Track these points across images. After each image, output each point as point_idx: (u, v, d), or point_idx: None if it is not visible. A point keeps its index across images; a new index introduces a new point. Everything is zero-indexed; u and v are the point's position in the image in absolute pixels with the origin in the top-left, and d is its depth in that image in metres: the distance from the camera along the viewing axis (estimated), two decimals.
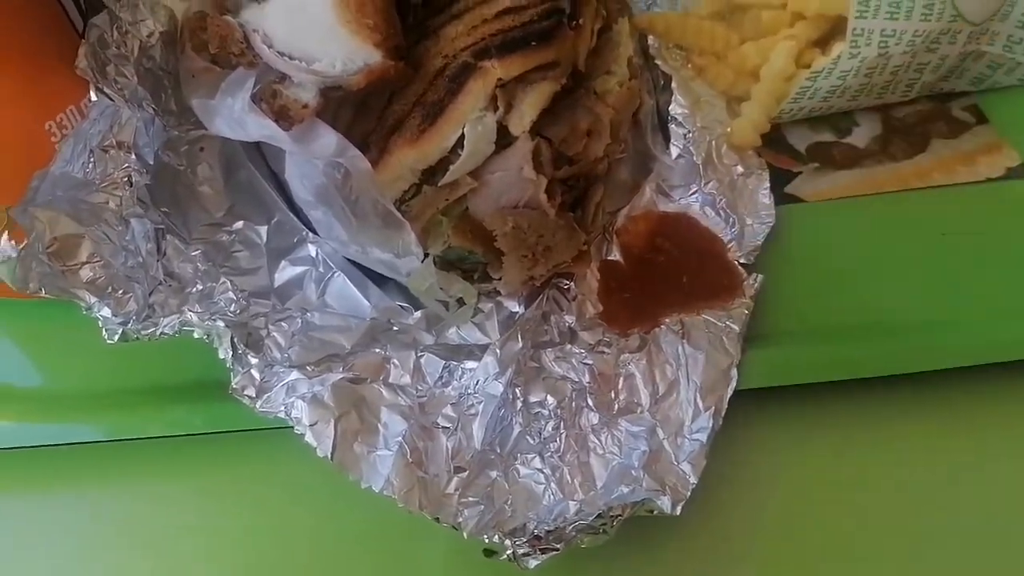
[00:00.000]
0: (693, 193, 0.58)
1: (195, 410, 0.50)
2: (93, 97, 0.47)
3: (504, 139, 0.49)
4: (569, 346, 0.52)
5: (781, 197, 0.59)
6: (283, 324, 0.50)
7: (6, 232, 0.43)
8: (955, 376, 0.51)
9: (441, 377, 0.49)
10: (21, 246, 0.43)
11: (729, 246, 0.56)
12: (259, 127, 0.45)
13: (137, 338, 0.46)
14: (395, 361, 0.49)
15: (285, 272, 0.54)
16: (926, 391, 0.51)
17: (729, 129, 0.61)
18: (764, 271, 0.53)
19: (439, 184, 0.49)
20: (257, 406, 0.45)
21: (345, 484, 0.43)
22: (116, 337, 0.46)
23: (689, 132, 0.60)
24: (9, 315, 0.56)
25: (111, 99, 0.48)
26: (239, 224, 0.56)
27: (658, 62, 0.63)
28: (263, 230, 0.56)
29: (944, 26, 0.57)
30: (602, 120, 0.52)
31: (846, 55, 0.58)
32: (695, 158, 0.58)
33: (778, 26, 0.62)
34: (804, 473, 0.49)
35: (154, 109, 0.53)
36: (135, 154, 0.49)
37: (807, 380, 0.51)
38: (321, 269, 0.54)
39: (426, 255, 0.50)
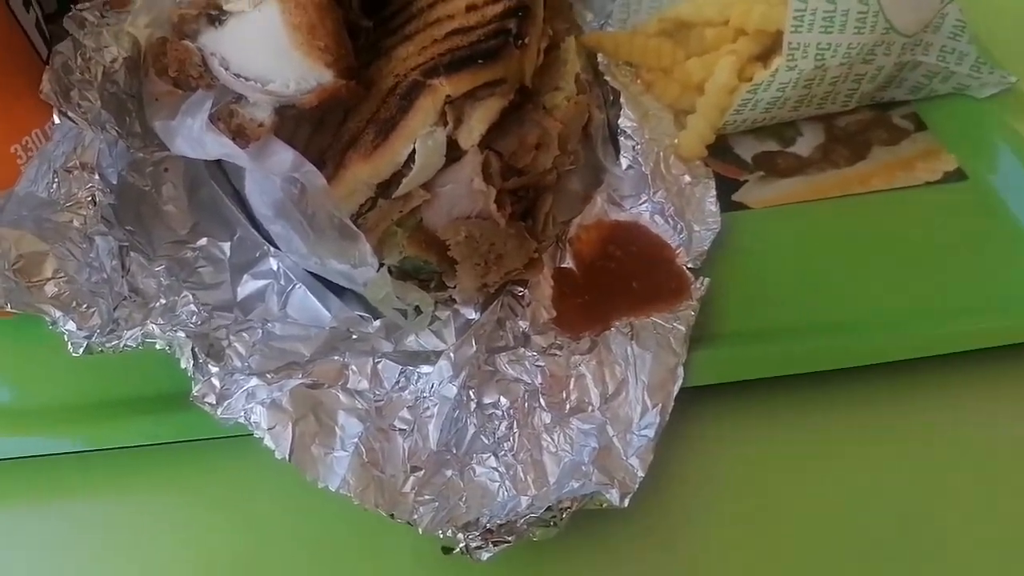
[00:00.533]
0: (643, 202, 0.61)
1: (163, 420, 0.52)
2: (56, 120, 0.49)
3: (454, 153, 0.52)
4: (522, 349, 0.54)
5: (728, 205, 0.62)
6: (244, 334, 0.51)
7: None
8: (890, 370, 0.53)
9: (398, 382, 0.51)
10: None
11: (677, 252, 0.58)
12: (217, 145, 0.47)
13: (101, 351, 0.48)
14: (353, 367, 0.51)
15: (248, 286, 0.56)
16: (862, 385, 0.54)
17: (676, 141, 0.64)
18: (711, 274, 0.56)
19: (393, 197, 0.52)
20: (218, 413, 0.47)
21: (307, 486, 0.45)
22: (81, 350, 0.47)
23: (638, 144, 0.62)
24: None
25: (74, 122, 0.50)
26: (203, 241, 0.58)
27: (607, 78, 0.66)
28: (226, 246, 0.58)
29: (878, 38, 0.60)
30: (550, 133, 0.54)
31: (784, 68, 0.61)
32: (644, 168, 0.61)
33: (721, 42, 0.65)
34: (748, 465, 0.52)
35: (117, 131, 0.55)
36: (98, 174, 0.51)
37: (751, 376, 0.53)
38: (283, 282, 0.56)
39: (381, 265, 0.52)
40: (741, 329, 0.55)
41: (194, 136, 0.49)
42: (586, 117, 0.60)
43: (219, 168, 0.60)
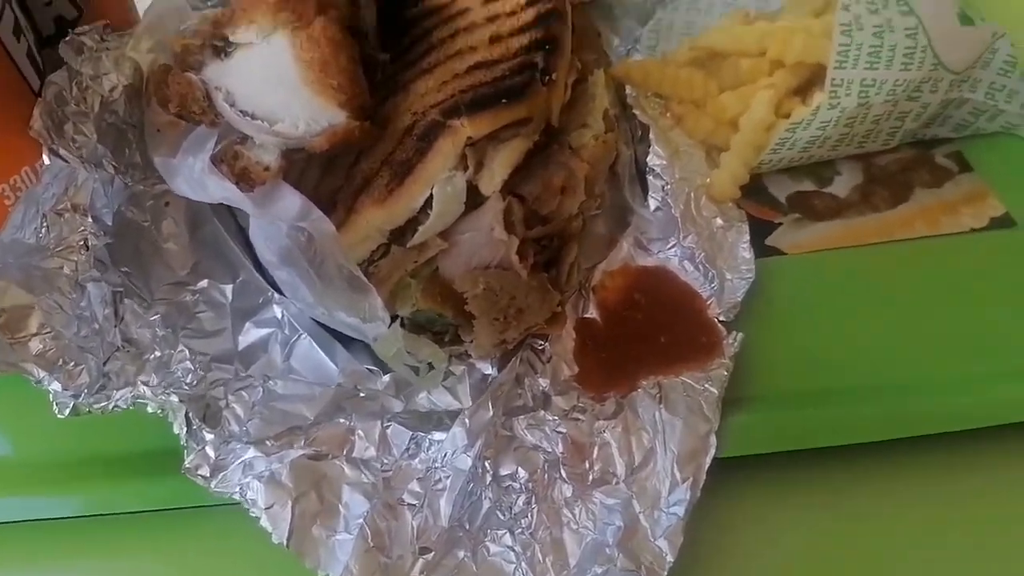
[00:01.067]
0: (672, 247, 0.58)
1: (157, 482, 0.48)
2: (47, 160, 0.45)
3: (475, 198, 0.48)
4: (542, 412, 0.50)
5: (761, 249, 0.58)
6: (243, 393, 0.48)
7: None
8: (945, 440, 0.49)
9: (408, 449, 0.48)
10: None
11: (708, 302, 0.55)
12: (220, 189, 0.44)
13: (89, 411, 0.45)
14: (360, 432, 0.48)
15: (250, 334, 0.53)
16: (913, 456, 0.50)
17: (708, 180, 0.60)
18: (744, 328, 0.52)
19: (408, 245, 0.49)
20: (212, 486, 0.43)
21: None
22: (67, 411, 0.44)
23: (668, 184, 0.59)
24: None
25: (66, 160, 0.47)
26: (203, 283, 0.54)
27: (636, 112, 0.63)
28: (228, 289, 0.55)
29: (925, 75, 0.57)
30: (576, 176, 0.51)
31: (825, 106, 0.57)
32: (673, 211, 0.58)
33: (757, 75, 0.62)
34: (787, 547, 0.48)
35: (115, 167, 0.52)
36: (91, 216, 0.48)
37: (789, 448, 0.49)
38: (287, 331, 0.53)
39: (394, 319, 0.49)
40: (777, 392, 0.51)
41: (195, 177, 0.46)
42: (614, 156, 0.56)
43: (223, 205, 0.57)
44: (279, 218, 0.46)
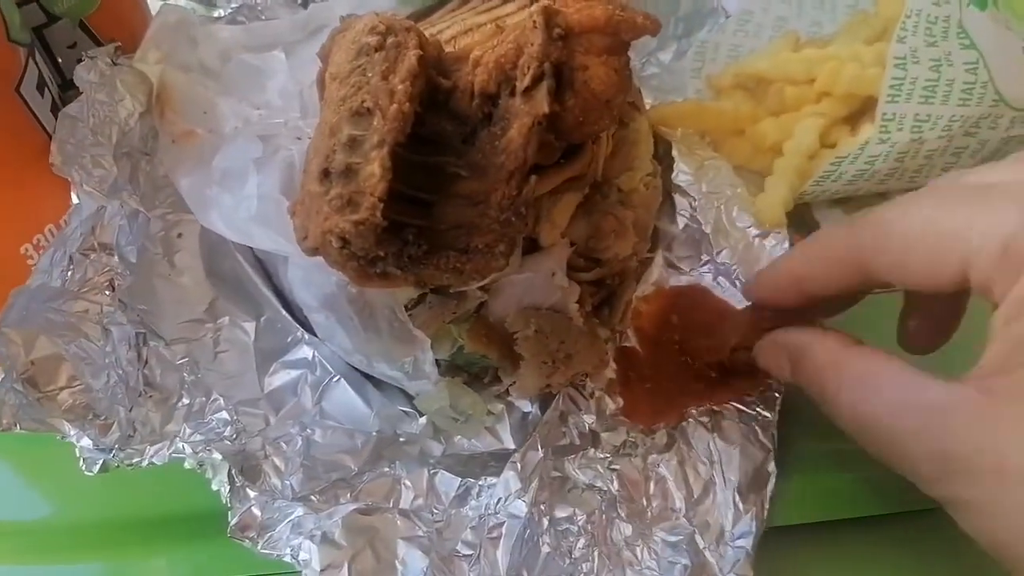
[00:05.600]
0: (705, 264, 0.59)
1: (199, 550, 0.48)
2: (75, 200, 0.46)
3: (531, 247, 0.49)
4: (592, 450, 0.52)
5: None
6: (282, 444, 0.49)
7: None
8: None
9: (458, 496, 0.49)
10: None
11: None
12: (268, 240, 0.45)
13: (119, 467, 0.45)
14: (407, 482, 0.48)
15: (277, 376, 0.53)
16: None
17: (739, 191, 0.61)
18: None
19: (449, 293, 0.49)
20: (259, 547, 0.44)
21: None
22: (96, 468, 0.44)
23: (695, 200, 0.60)
24: None
25: (91, 196, 0.47)
26: (224, 320, 0.55)
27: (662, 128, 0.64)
28: (250, 327, 0.55)
29: (984, 111, 0.58)
30: (624, 223, 0.52)
31: (875, 139, 0.59)
32: (704, 227, 0.59)
33: (802, 103, 0.64)
34: None
35: (136, 198, 0.52)
36: (117, 255, 0.48)
37: (853, 514, 0.51)
38: (318, 373, 0.53)
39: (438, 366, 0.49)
40: (834, 449, 0.52)
41: (237, 224, 0.46)
42: (660, 200, 0.57)
43: None
44: None
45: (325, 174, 0.41)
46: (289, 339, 0.54)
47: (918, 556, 0.51)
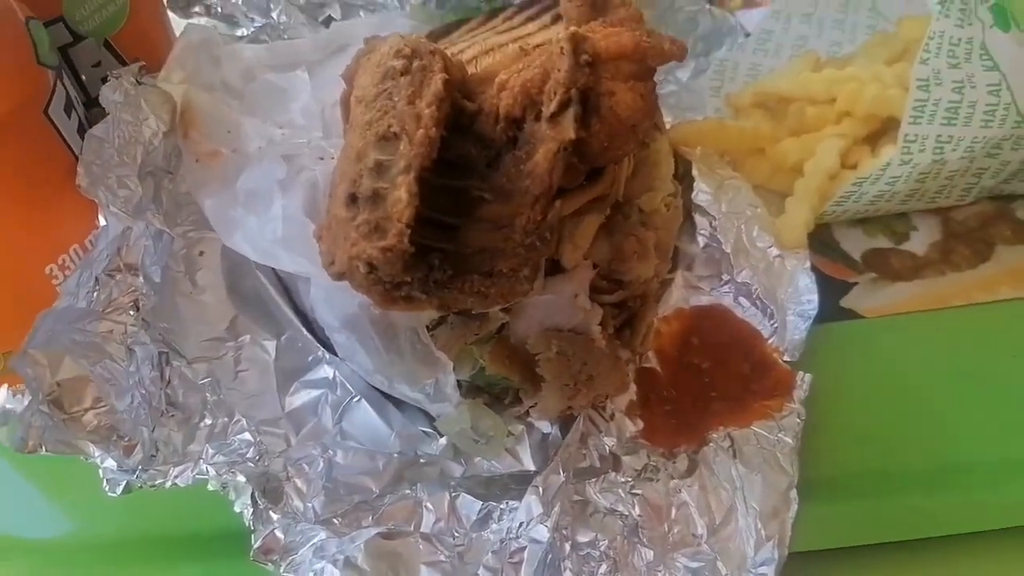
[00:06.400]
0: (725, 283, 0.60)
1: (220, 569, 0.49)
2: (102, 221, 0.46)
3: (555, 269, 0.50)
4: (614, 474, 0.52)
5: (837, 312, 0.60)
6: (304, 466, 0.49)
7: (5, 384, 0.42)
8: None
9: (479, 519, 0.49)
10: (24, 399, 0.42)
11: (770, 341, 0.57)
12: (293, 264, 0.45)
13: (141, 487, 0.45)
14: (428, 504, 0.49)
15: (298, 396, 0.54)
16: (1002, 551, 0.51)
17: (759, 210, 0.62)
18: (819, 403, 0.53)
19: (471, 314, 0.50)
20: (282, 571, 0.44)
21: None
22: (119, 489, 0.45)
23: (715, 219, 0.61)
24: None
25: (117, 217, 0.47)
26: (245, 338, 0.55)
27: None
28: (271, 346, 0.55)
29: (1007, 132, 0.59)
30: (645, 244, 0.52)
31: (897, 161, 0.60)
32: (724, 246, 0.60)
33: (822, 123, 0.64)
34: None
35: (160, 218, 0.52)
36: (142, 276, 0.48)
37: (868, 541, 0.50)
38: (339, 393, 0.54)
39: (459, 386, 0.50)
40: (855, 473, 0.52)
41: (263, 247, 0.46)
42: (681, 220, 0.58)
43: None
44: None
45: (352, 199, 0.41)
46: (310, 359, 0.55)
47: None
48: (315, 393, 0.54)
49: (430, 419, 0.54)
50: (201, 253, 0.58)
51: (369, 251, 0.39)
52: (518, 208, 0.44)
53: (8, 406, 0.43)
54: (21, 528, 0.52)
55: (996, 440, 0.53)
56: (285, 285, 0.57)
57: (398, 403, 0.55)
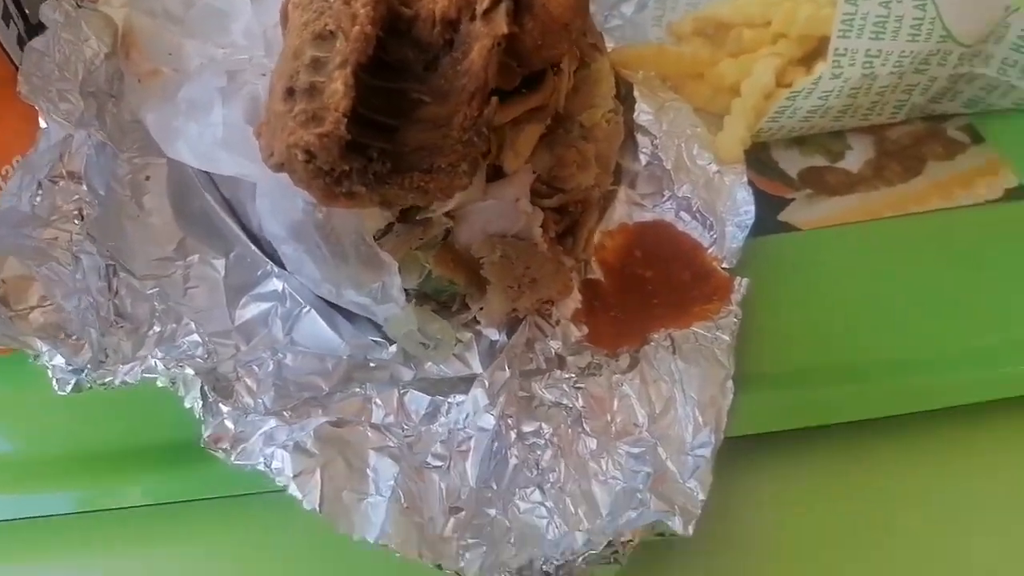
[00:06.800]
0: (667, 199, 0.62)
1: (171, 476, 0.50)
2: (43, 125, 0.47)
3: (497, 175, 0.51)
4: (558, 372, 0.54)
5: (774, 225, 0.62)
6: (253, 367, 0.50)
7: None
8: (962, 413, 0.54)
9: (427, 413, 0.51)
10: None
11: (710, 251, 0.59)
12: (234, 165, 0.46)
13: (91, 387, 0.46)
14: (377, 400, 0.50)
15: (248, 309, 0.55)
16: (927, 431, 0.54)
17: (699, 130, 0.64)
18: (757, 305, 0.56)
19: (415, 220, 0.51)
20: (232, 459, 0.45)
21: (337, 543, 0.44)
22: (68, 388, 0.45)
23: (656, 138, 0.63)
24: None
25: (59, 124, 0.48)
26: (194, 258, 0.56)
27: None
28: (221, 264, 0.56)
29: (933, 47, 0.61)
30: (585, 155, 0.54)
31: (828, 75, 0.62)
32: (665, 163, 0.62)
33: (759, 44, 0.66)
34: (796, 527, 0.52)
35: (104, 134, 0.53)
36: (86, 184, 0.49)
37: (802, 425, 0.53)
38: (288, 305, 0.55)
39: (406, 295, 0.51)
40: (789, 369, 0.55)
41: (203, 150, 0.47)
42: (622, 136, 0.60)
43: (207, 175, 0.58)
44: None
45: (289, 93, 0.43)
46: (259, 272, 0.56)
47: (857, 461, 0.55)
48: (265, 306, 0.55)
49: (380, 329, 0.55)
50: (147, 178, 0.58)
51: (307, 138, 0.41)
52: (455, 106, 0.45)
53: None
54: None
55: (922, 335, 0.56)
56: (232, 206, 0.58)
57: (348, 315, 0.56)
